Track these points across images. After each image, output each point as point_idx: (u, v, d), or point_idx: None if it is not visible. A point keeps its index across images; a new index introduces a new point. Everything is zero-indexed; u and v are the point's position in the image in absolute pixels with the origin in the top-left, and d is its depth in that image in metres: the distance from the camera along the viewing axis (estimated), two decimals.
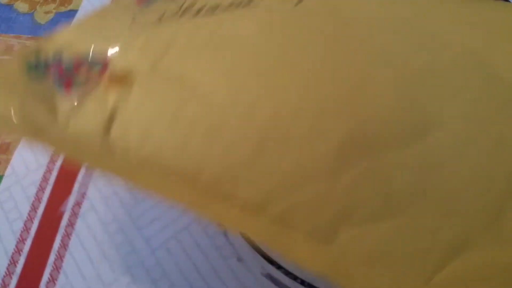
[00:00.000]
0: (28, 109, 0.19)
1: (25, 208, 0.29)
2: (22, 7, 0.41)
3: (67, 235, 0.28)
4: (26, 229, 0.28)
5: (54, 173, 0.30)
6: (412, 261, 0.14)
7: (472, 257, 0.14)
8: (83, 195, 0.29)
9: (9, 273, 0.27)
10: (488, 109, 0.15)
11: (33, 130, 0.18)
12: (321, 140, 0.15)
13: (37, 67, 0.21)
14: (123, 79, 0.19)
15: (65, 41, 0.23)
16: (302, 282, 0.18)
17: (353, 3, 0.19)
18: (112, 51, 0.21)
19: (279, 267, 0.18)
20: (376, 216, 0.14)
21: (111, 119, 0.18)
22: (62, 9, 0.41)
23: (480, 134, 0.15)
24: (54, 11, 0.41)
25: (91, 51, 0.21)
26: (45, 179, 0.30)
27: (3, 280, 0.26)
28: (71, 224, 0.28)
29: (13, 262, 0.27)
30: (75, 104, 0.19)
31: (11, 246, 0.28)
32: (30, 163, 0.31)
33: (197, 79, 0.18)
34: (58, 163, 0.31)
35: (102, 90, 0.19)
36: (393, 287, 0.13)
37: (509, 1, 0.23)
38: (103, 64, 0.20)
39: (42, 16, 0.41)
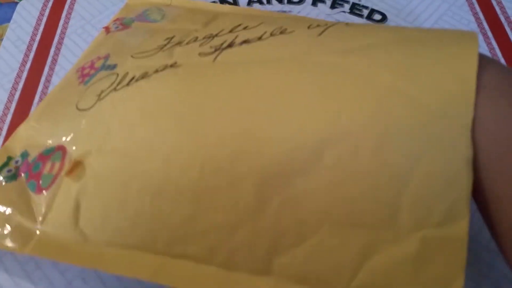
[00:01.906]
0: (12, 218, 0.22)
1: None
2: None
3: None
4: None
5: None
6: (332, 273, 0.17)
7: (380, 258, 0.16)
8: None
9: None
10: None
11: (20, 237, 0.21)
12: (237, 188, 0.18)
13: (9, 171, 0.24)
14: (79, 167, 0.22)
15: (27, 138, 0.26)
16: None
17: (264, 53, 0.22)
18: (66, 141, 0.24)
19: None
20: (296, 241, 0.17)
21: (77, 209, 0.21)
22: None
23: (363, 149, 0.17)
24: None
25: (50, 145, 0.25)
26: None
27: None
28: None
29: None
30: (48, 202, 0.22)
31: None
32: None
33: (134, 154, 0.21)
34: None
35: (66, 182, 0.22)
36: None
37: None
38: (62, 156, 0.24)
39: None
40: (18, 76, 0.32)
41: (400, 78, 0.17)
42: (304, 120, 0.18)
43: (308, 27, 0.23)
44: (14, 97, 0.31)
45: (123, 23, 0.33)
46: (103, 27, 0.33)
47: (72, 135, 0.24)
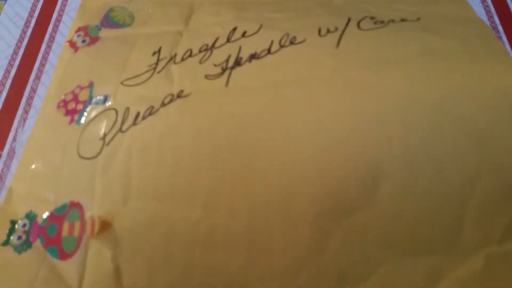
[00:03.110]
0: None
1: None
2: None
3: None
4: None
5: None
6: None
7: (447, 281, 0.17)
8: None
9: None
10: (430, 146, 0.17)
11: None
12: (293, 228, 0.18)
13: (19, 239, 0.22)
14: (105, 226, 0.21)
15: (28, 196, 0.23)
16: None
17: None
18: (80, 196, 0.22)
19: None
20: (363, 274, 0.18)
21: (117, 272, 0.20)
22: None
23: (421, 174, 0.17)
24: None
25: (59, 202, 0.22)
26: None
27: None
28: None
29: None
30: (79, 267, 0.21)
31: None
32: None
33: (168, 203, 0.20)
34: None
35: (93, 243, 0.21)
36: None
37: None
38: (79, 214, 0.22)
39: None
40: (15, 52, 0.31)
41: (446, 98, 0.17)
42: (352, 150, 0.18)
43: (319, 34, 0.22)
44: (10, 73, 0.30)
45: (89, 34, 0.29)
46: (66, 41, 0.29)
47: (84, 190, 0.22)
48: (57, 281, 0.20)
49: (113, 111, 0.24)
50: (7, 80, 0.30)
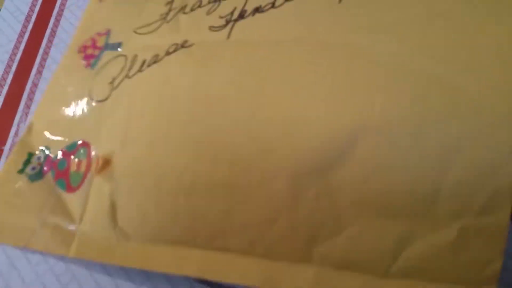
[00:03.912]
0: (48, 220, 0.23)
1: None
2: None
3: None
4: None
5: None
6: (371, 260, 0.17)
7: (418, 246, 0.17)
8: None
9: None
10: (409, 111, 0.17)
11: (61, 240, 0.22)
12: (270, 184, 0.18)
13: (33, 169, 0.24)
14: (108, 165, 0.22)
15: (45, 132, 0.25)
16: None
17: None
18: (88, 136, 0.24)
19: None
20: (334, 231, 0.18)
21: (113, 209, 0.21)
22: None
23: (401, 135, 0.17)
24: None
25: (71, 140, 0.24)
26: None
27: None
28: None
29: None
30: (82, 201, 0.23)
31: None
32: None
33: (160, 150, 0.21)
34: None
35: (96, 180, 0.22)
36: (363, 285, 0.17)
37: None
38: (87, 153, 0.23)
39: None
40: (16, 47, 0.31)
41: (439, 64, 0.16)
42: (335, 111, 0.18)
43: None
44: (11, 68, 0.31)
45: None
46: None
47: (93, 130, 0.24)
48: (63, 211, 0.23)
49: (123, 57, 0.25)
50: (8, 75, 0.30)
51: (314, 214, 0.18)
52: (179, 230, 0.20)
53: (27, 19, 0.32)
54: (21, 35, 0.32)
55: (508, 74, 0.16)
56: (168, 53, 0.23)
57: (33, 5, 0.33)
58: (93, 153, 0.23)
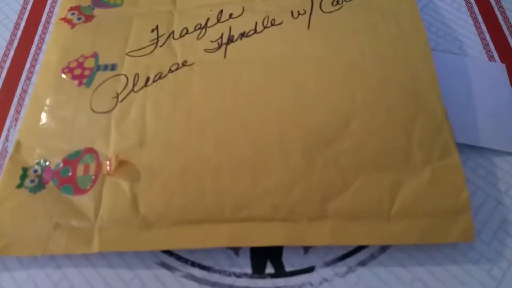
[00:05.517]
0: (62, 224, 0.22)
1: None
2: None
3: None
4: None
5: None
6: (375, 207, 0.22)
7: (406, 189, 0.22)
8: None
9: None
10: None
11: (80, 239, 0.22)
12: (287, 156, 0.23)
13: (33, 182, 0.24)
14: (123, 165, 0.24)
15: (38, 147, 0.25)
16: (193, 263, 0.22)
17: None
18: (95, 143, 0.25)
19: (171, 254, 0.23)
20: (342, 188, 0.22)
21: (134, 200, 0.23)
22: None
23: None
24: None
25: (73, 150, 0.25)
26: None
27: None
28: None
29: None
30: (95, 200, 0.23)
31: None
32: None
33: (183, 142, 0.24)
34: None
35: (110, 179, 0.23)
36: (372, 231, 0.22)
37: None
38: (95, 157, 0.24)
39: None
40: (5, 54, 0.32)
41: (388, 63, 0.26)
42: (328, 101, 0.24)
43: (292, 16, 0.28)
44: (0, 75, 0.31)
45: (83, 13, 0.31)
46: (60, 19, 0.31)
47: (100, 137, 0.25)
48: (74, 212, 0.23)
49: (123, 76, 0.27)
50: None
51: (324, 177, 0.22)
52: (205, 208, 0.22)
53: (16, 27, 0.33)
54: (10, 42, 0.33)
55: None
56: (171, 71, 0.27)
57: (21, 13, 0.34)
58: (101, 156, 0.24)
